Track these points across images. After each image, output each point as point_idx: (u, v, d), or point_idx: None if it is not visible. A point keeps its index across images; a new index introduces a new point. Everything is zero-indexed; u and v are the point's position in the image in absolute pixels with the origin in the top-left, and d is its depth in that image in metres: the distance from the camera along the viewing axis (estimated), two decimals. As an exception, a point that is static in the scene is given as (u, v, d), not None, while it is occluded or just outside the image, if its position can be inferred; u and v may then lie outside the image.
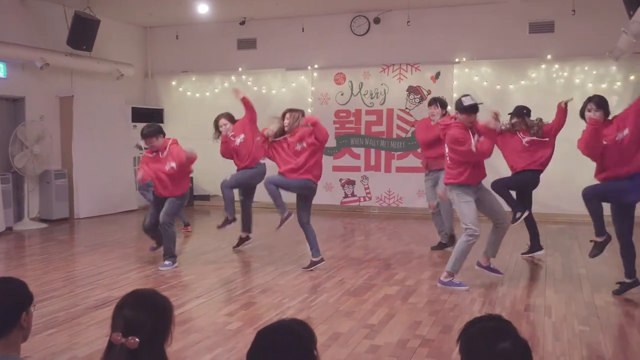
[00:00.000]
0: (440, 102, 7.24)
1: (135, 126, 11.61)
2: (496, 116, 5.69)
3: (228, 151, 7.57)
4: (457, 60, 10.55)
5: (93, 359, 3.97)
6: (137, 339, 1.87)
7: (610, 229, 5.59)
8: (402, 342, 4.34)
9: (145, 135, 6.63)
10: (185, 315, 4.94)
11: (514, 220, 6.60)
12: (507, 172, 7.08)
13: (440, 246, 7.56)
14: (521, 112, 6.90)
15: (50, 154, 9.84)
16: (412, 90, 10.82)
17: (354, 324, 4.74)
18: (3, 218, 8.92)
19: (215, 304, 5.35)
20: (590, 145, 5.36)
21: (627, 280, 5.53)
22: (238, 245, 7.74)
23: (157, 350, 1.95)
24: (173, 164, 6.53)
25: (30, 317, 2.23)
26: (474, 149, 5.47)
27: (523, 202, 6.90)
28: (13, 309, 2.16)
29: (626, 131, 5.26)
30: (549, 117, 6.83)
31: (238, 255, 7.45)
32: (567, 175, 9.78)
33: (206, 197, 12.20)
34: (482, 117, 5.76)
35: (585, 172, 9.67)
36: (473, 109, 5.59)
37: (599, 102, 5.43)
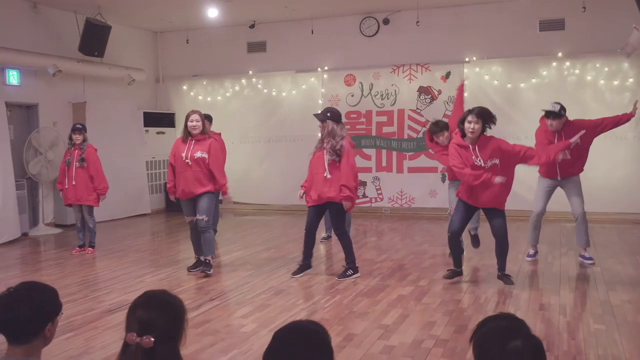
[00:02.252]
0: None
1: (147, 131, 11.69)
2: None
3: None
4: (467, 59, 10.52)
5: (110, 362, 4.01)
6: (152, 338, 1.89)
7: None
8: (416, 343, 4.34)
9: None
10: (199, 317, 4.97)
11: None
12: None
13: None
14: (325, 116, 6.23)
15: (64, 159, 9.93)
16: (423, 90, 10.80)
17: (368, 325, 4.74)
18: (18, 224, 9.01)
19: (229, 307, 5.38)
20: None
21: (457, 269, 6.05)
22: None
23: (172, 349, 1.97)
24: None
25: (55, 327, 2.25)
26: None
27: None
28: (40, 320, 2.18)
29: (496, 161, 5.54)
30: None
31: (251, 257, 7.47)
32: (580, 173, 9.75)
33: (218, 200, 12.23)
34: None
35: (598, 171, 9.72)
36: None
37: (480, 113, 5.52)
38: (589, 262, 6.71)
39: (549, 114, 6.45)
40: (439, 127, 6.76)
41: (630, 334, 4.50)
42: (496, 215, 5.74)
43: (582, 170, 6.74)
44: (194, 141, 6.47)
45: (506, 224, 5.74)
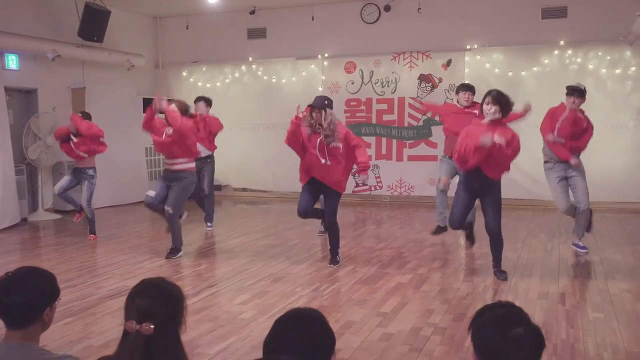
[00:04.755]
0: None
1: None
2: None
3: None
4: (468, 47, 10.47)
5: (108, 348, 4.01)
6: (151, 325, 1.90)
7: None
8: (414, 330, 4.35)
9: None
10: (198, 304, 4.98)
11: None
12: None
13: (439, 230, 7.25)
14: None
15: (63, 145, 9.90)
16: (424, 78, 10.76)
17: (367, 312, 4.75)
18: (18, 209, 9.00)
19: (228, 293, 5.38)
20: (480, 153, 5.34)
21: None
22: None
23: (172, 336, 1.98)
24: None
25: (53, 312, 2.26)
26: None
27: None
28: (38, 305, 2.19)
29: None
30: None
31: (250, 244, 7.48)
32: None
33: (217, 187, 12.24)
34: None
35: (599, 160, 9.70)
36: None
37: (497, 97, 5.34)
38: (583, 250, 6.67)
39: (573, 91, 6.38)
40: (464, 86, 7.11)
41: (629, 322, 4.51)
42: (492, 208, 5.64)
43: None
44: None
45: (500, 220, 5.67)
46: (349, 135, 6.17)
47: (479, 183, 5.51)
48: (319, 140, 5.97)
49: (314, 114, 5.98)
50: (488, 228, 5.66)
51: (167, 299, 2.01)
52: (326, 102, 6.05)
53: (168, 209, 6.55)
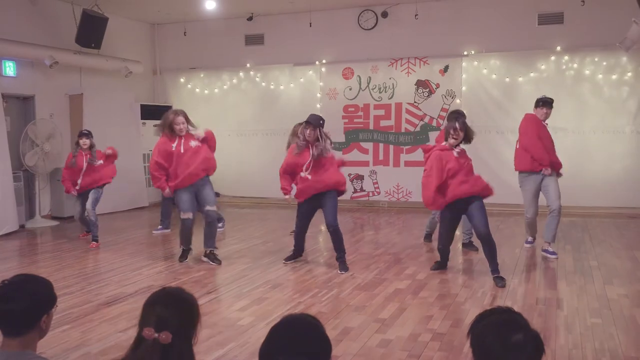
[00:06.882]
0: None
1: (144, 123, 11.66)
2: None
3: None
4: (465, 53, 10.50)
5: (106, 355, 4.00)
6: (170, 334, 1.91)
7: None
8: (413, 336, 4.34)
9: None
10: (196, 310, 4.96)
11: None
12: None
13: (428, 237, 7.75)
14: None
15: (61, 151, 9.86)
16: (421, 84, 10.78)
17: (365, 319, 4.75)
18: (16, 216, 8.97)
19: (226, 300, 5.37)
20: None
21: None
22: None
23: (186, 346, 2.00)
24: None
25: (50, 319, 2.26)
26: None
27: None
28: (35, 312, 2.20)
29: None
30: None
31: (248, 251, 7.47)
32: (578, 168, 9.76)
33: (215, 194, 12.22)
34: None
35: (596, 165, 9.73)
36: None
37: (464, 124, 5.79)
38: (553, 256, 6.74)
39: (546, 103, 6.63)
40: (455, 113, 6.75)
41: (627, 327, 4.51)
42: (478, 213, 5.76)
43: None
44: (182, 138, 6.57)
45: (488, 224, 5.78)
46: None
47: (462, 204, 5.82)
48: (309, 159, 6.26)
49: (308, 131, 6.21)
50: (479, 234, 5.79)
51: (186, 309, 2.04)
52: (321, 121, 6.29)
53: (212, 208, 6.72)
